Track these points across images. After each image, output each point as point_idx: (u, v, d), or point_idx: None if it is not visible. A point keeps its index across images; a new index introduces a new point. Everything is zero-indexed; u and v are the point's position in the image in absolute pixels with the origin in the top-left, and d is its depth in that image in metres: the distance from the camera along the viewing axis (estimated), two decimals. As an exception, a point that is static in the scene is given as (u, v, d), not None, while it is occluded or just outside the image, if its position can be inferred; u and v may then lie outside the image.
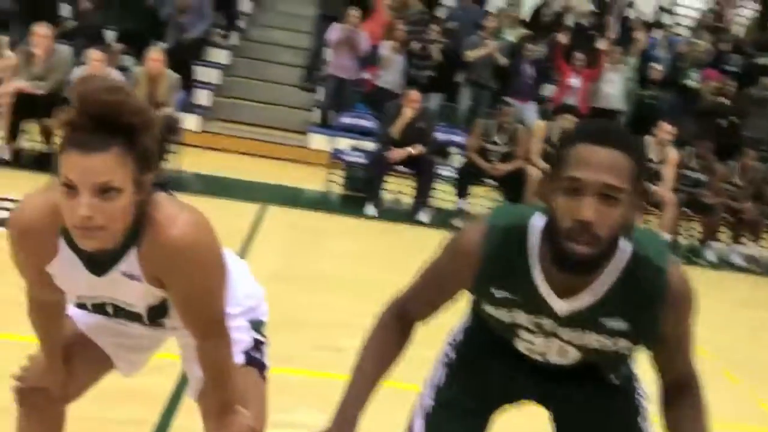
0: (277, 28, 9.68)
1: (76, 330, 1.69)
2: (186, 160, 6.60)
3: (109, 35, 7.83)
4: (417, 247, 5.81)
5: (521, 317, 1.41)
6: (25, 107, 5.91)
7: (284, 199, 6.50)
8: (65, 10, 8.02)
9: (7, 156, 5.97)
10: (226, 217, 5.55)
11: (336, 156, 6.99)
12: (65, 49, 7.11)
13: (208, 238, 1.44)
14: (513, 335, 1.46)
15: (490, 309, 1.43)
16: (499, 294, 1.39)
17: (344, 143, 7.36)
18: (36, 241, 1.40)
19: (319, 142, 7.98)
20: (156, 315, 1.54)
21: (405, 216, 6.39)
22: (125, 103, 1.26)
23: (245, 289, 1.75)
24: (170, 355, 1.92)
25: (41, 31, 6.09)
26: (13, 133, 6.02)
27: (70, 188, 1.26)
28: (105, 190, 1.27)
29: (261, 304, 1.80)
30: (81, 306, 1.57)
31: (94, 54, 6.11)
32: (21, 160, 6.04)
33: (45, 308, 1.58)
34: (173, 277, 1.42)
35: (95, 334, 1.70)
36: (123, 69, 6.86)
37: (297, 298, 4.01)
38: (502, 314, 1.42)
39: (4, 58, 6.17)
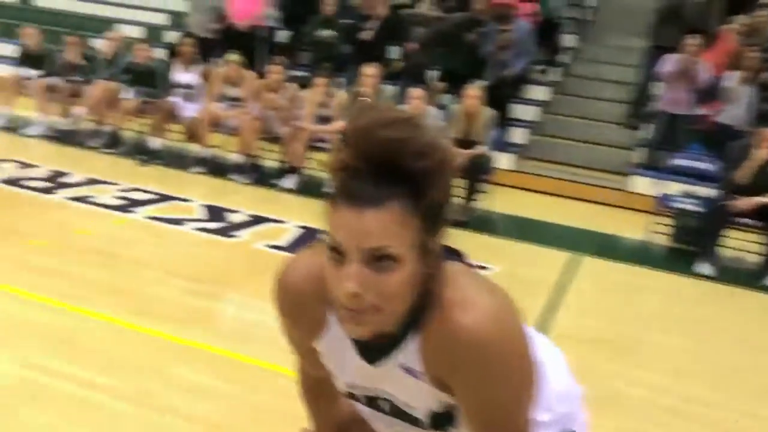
0: (603, 62, 9.07)
1: (353, 410, 1.41)
2: (497, 201, 6.36)
3: (432, 74, 8.01)
4: (765, 321, 4.81)
5: None
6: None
7: (599, 248, 5.86)
8: (395, 52, 8.42)
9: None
10: (534, 266, 5.15)
11: (663, 202, 6.15)
12: (390, 89, 7.42)
13: (510, 331, 1.02)
14: None
15: None
16: None
17: (674, 188, 6.48)
18: (300, 311, 1.13)
19: (642, 185, 7.18)
20: (439, 424, 1.16)
21: (750, 279, 5.31)
22: (411, 142, 0.91)
23: (558, 389, 1.29)
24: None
25: (369, 71, 6.38)
26: (339, 168, 6.35)
27: (338, 253, 0.95)
28: (379, 259, 0.93)
29: (577, 411, 1.33)
30: (352, 397, 1.25)
31: (414, 92, 6.20)
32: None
33: (315, 384, 1.31)
34: (460, 380, 1.03)
35: (373, 419, 1.39)
36: (442, 107, 6.90)
37: (606, 368, 3.44)
38: None
39: (337, 98, 6.58)
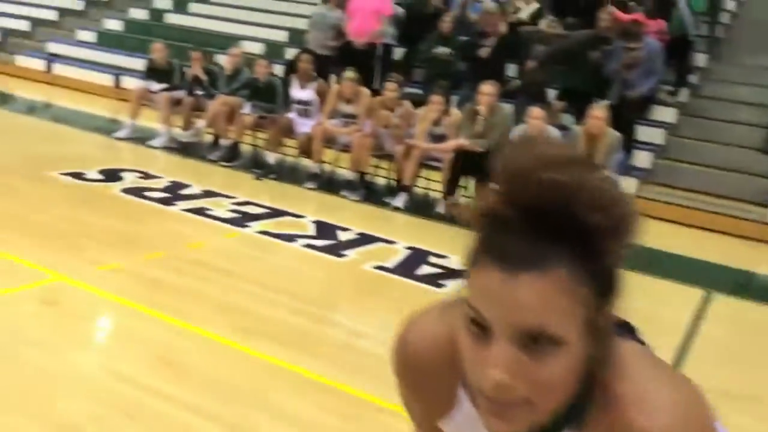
0: (738, 83, 8.42)
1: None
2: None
3: (551, 93, 7.69)
4: None
5: None
6: (465, 164, 6.00)
7: (734, 285, 5.37)
8: (512, 69, 8.16)
9: (442, 210, 6.13)
10: (660, 303, 4.72)
11: (810, 238, 5.57)
12: (507, 108, 7.16)
13: None
14: None
15: None
16: None
17: (822, 222, 5.87)
18: (424, 384, 0.94)
19: (783, 218, 6.56)
20: None
21: None
22: (586, 189, 0.71)
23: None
24: None
25: (486, 89, 6.16)
26: (451, 189, 6.18)
27: (480, 327, 0.75)
28: (536, 340, 0.72)
29: None
30: None
31: (534, 112, 5.94)
32: (454, 216, 6.12)
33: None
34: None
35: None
36: (562, 127, 6.58)
37: (746, 424, 3.04)
38: None
39: (451, 116, 6.40)
